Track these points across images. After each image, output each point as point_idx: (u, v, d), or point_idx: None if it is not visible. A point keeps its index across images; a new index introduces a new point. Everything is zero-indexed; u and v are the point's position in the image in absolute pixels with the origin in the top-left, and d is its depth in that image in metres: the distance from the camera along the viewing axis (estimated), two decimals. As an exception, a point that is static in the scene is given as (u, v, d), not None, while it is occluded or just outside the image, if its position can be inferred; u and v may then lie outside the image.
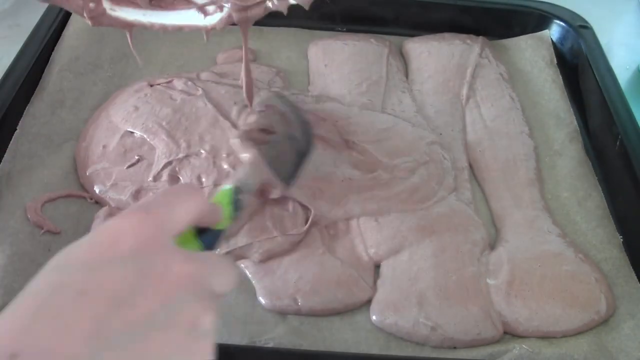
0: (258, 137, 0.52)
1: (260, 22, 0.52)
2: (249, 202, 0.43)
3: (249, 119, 0.55)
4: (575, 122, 0.65)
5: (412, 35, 0.75)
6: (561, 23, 0.73)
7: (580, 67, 0.69)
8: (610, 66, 0.66)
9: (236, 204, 0.41)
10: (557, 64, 0.72)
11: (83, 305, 0.26)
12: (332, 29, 0.76)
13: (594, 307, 0.49)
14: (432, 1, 0.76)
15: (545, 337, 0.47)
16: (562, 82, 0.69)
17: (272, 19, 0.53)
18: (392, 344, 0.47)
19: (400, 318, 0.47)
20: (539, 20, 0.75)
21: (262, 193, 0.50)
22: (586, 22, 0.72)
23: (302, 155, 0.50)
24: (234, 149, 0.52)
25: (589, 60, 0.67)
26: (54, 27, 0.67)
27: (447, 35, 0.74)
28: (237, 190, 0.42)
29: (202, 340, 0.29)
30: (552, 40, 0.74)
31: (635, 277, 0.51)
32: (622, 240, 0.54)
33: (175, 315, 0.28)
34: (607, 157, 0.61)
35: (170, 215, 0.32)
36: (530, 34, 0.75)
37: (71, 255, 0.29)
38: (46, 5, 0.68)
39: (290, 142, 0.50)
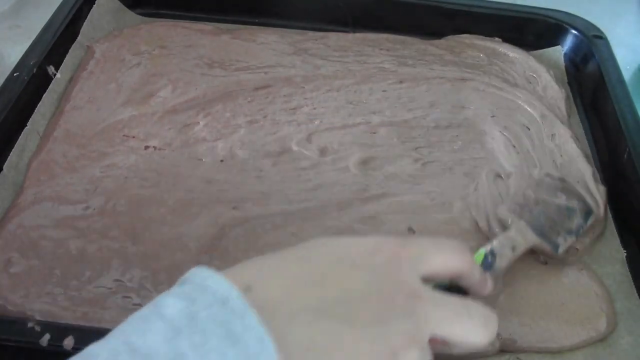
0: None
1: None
2: (501, 268, 0.45)
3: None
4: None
5: (422, 39, 0.75)
6: (575, 32, 0.72)
7: (593, 77, 0.68)
8: (623, 77, 0.65)
9: (485, 264, 0.44)
10: (571, 73, 0.72)
11: (317, 285, 0.31)
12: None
13: (593, 324, 0.47)
14: (446, 7, 0.76)
15: (540, 352, 0.46)
16: (572, 101, 0.69)
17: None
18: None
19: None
20: (552, 29, 0.74)
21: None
22: (601, 32, 0.71)
23: (579, 222, 0.50)
24: (500, 215, 0.51)
25: (602, 71, 0.66)
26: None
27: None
28: (490, 255, 0.44)
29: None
30: (566, 50, 0.73)
31: (636, 294, 0.50)
32: (625, 255, 0.53)
33: (384, 336, 0.30)
34: (614, 169, 0.59)
35: (426, 257, 0.35)
36: (542, 50, 0.75)
37: (336, 246, 0.34)
38: (46, 5, 0.69)
39: (563, 211, 0.50)
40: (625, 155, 0.57)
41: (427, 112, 0.65)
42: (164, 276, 0.48)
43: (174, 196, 0.54)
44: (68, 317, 0.45)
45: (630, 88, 0.63)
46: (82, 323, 0.45)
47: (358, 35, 0.76)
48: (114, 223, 0.52)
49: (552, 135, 0.63)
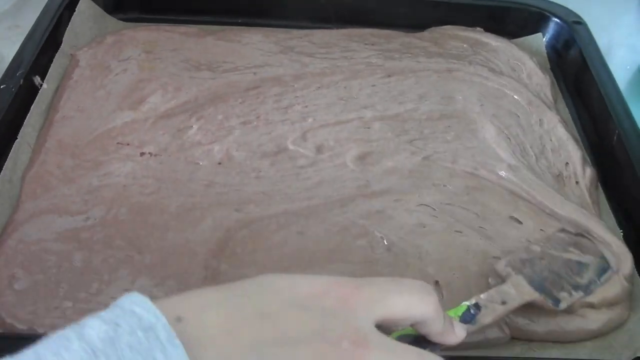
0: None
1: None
2: (483, 323, 0.42)
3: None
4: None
5: (406, 32, 0.76)
6: (555, 19, 0.74)
7: (575, 62, 0.70)
8: (605, 61, 0.67)
9: (464, 317, 0.41)
10: (553, 60, 0.74)
11: (256, 324, 0.29)
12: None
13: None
14: (426, -1, 0.77)
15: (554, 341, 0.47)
16: (557, 87, 0.70)
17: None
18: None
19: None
20: (532, 17, 0.76)
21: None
22: (580, 17, 0.73)
23: (591, 277, 0.48)
24: (499, 271, 0.49)
25: (584, 55, 0.68)
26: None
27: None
28: (475, 305, 0.42)
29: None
30: (547, 37, 0.75)
31: (637, 271, 0.51)
32: (622, 234, 0.54)
33: None
34: (605, 151, 0.61)
35: (384, 302, 0.32)
36: (523, 37, 0.76)
37: (285, 284, 0.32)
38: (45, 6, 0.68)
39: (570, 265, 0.49)
40: (615, 137, 0.58)
41: (417, 104, 0.66)
42: (173, 283, 0.48)
43: (175, 202, 0.54)
44: (80, 331, 0.44)
45: (630, 88, 0.65)
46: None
47: (342, 31, 0.76)
48: (117, 232, 0.51)
49: (540, 121, 0.65)
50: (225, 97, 0.65)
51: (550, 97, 0.68)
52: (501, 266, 0.48)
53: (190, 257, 0.50)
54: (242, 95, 0.65)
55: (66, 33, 0.68)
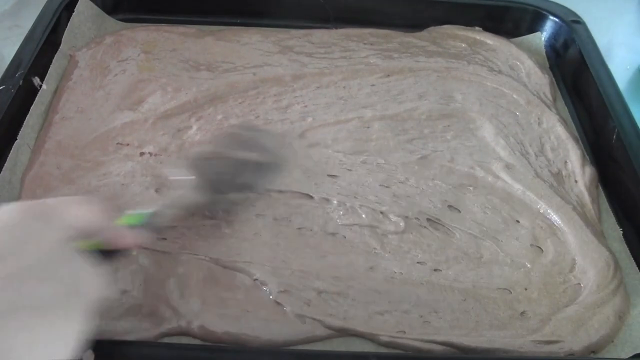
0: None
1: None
2: (165, 223, 0.46)
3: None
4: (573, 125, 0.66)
5: (405, 32, 0.76)
6: (554, 19, 0.74)
7: (574, 61, 0.70)
8: (604, 60, 0.67)
9: (148, 226, 0.44)
10: (552, 59, 0.74)
11: None
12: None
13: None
14: (425, -1, 0.77)
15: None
16: (556, 86, 0.70)
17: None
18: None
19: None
20: (531, 16, 0.75)
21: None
22: (579, 17, 0.73)
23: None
24: (167, 172, 0.53)
25: (583, 55, 0.68)
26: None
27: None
28: (150, 217, 0.44)
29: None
30: (546, 36, 0.75)
31: (637, 269, 0.51)
32: (622, 232, 0.54)
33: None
34: (604, 150, 0.61)
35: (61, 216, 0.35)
36: (522, 37, 0.76)
37: None
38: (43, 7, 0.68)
39: (239, 165, 0.52)
40: (614, 136, 0.58)
41: (417, 104, 0.66)
42: (172, 283, 0.48)
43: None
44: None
45: (630, 88, 0.65)
46: (96, 337, 0.44)
47: (341, 31, 0.76)
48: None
49: (539, 120, 0.65)
50: (224, 97, 0.65)
51: (550, 96, 0.68)
52: (174, 169, 0.53)
53: (190, 257, 0.50)
54: (241, 95, 0.65)
55: (65, 34, 0.68)
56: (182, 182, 0.49)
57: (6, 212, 0.34)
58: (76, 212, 0.36)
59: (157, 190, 0.54)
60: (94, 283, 0.35)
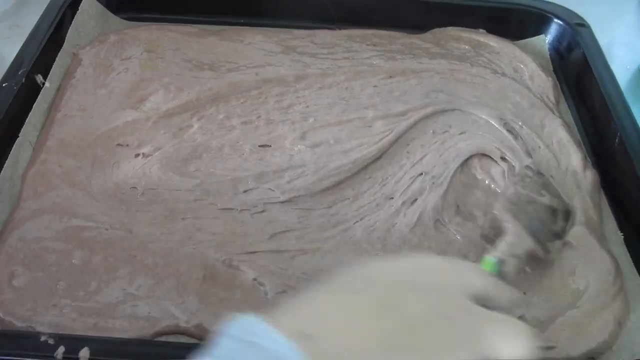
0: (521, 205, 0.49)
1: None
2: (513, 274, 0.43)
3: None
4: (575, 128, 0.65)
5: (408, 33, 0.75)
6: (558, 21, 0.74)
7: (578, 64, 0.69)
8: (608, 63, 0.66)
9: (502, 276, 0.41)
10: (555, 62, 0.73)
11: (381, 316, 0.29)
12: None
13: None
14: (429, 0, 0.77)
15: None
16: (559, 89, 0.70)
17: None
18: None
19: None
20: (535, 19, 0.75)
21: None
22: (583, 19, 0.73)
23: (561, 223, 0.49)
24: (497, 214, 0.49)
25: (587, 58, 0.68)
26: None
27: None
28: (500, 263, 0.42)
29: None
30: (550, 39, 0.74)
31: (637, 274, 0.51)
32: (623, 237, 0.54)
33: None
34: (606, 153, 0.61)
35: (463, 277, 0.34)
36: (526, 39, 0.76)
37: (379, 271, 0.32)
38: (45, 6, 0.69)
39: (549, 212, 0.49)
40: (616, 140, 0.58)
41: (419, 104, 0.65)
42: (172, 283, 0.48)
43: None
44: (78, 329, 0.45)
45: (630, 88, 0.64)
46: (92, 334, 0.44)
47: (344, 31, 0.76)
48: (117, 231, 0.51)
49: (542, 123, 0.64)
50: (226, 96, 0.65)
51: (553, 99, 0.68)
52: (500, 210, 0.48)
53: (190, 257, 0.50)
54: (243, 95, 0.65)
55: (69, 32, 0.69)
56: (514, 229, 0.47)
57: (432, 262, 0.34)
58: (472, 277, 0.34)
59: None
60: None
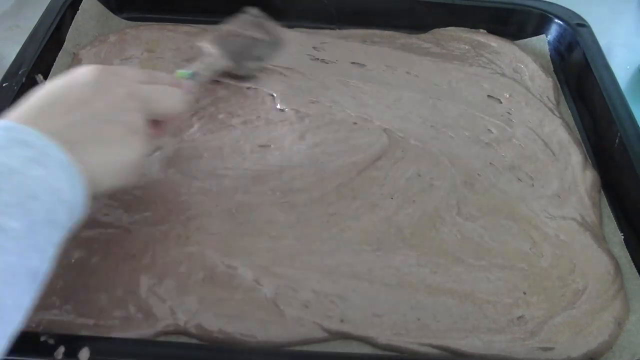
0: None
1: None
2: (207, 80, 0.61)
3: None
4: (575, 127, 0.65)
5: (409, 34, 0.76)
6: (559, 21, 0.74)
7: (578, 64, 0.69)
8: (608, 64, 0.66)
9: (193, 79, 0.57)
10: (556, 62, 0.73)
11: (63, 100, 0.42)
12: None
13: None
14: (430, 0, 0.77)
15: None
16: (560, 89, 0.70)
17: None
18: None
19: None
20: (536, 19, 0.75)
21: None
22: (584, 20, 0.73)
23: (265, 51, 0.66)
24: (202, 47, 0.63)
25: (587, 58, 0.68)
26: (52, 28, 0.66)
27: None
28: (194, 75, 0.57)
29: (136, 134, 0.44)
30: (550, 39, 0.74)
31: (637, 274, 0.51)
32: (623, 237, 0.54)
33: (120, 116, 0.43)
34: (606, 154, 0.61)
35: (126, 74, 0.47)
36: (526, 39, 0.76)
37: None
38: (46, 6, 0.69)
39: (253, 42, 0.65)
40: (616, 141, 0.58)
41: (418, 104, 0.66)
42: (172, 282, 0.48)
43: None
44: (77, 329, 0.45)
45: (630, 88, 0.64)
46: (92, 334, 0.44)
47: (344, 31, 0.76)
48: (116, 231, 0.51)
49: (541, 123, 0.64)
50: (226, 96, 0.65)
51: (553, 99, 0.68)
52: (205, 44, 0.63)
53: (190, 257, 0.50)
54: (243, 94, 0.65)
55: (69, 31, 0.69)
56: (211, 52, 0.62)
57: (88, 71, 0.44)
58: (139, 72, 0.48)
59: (188, 60, 0.64)
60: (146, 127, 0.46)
